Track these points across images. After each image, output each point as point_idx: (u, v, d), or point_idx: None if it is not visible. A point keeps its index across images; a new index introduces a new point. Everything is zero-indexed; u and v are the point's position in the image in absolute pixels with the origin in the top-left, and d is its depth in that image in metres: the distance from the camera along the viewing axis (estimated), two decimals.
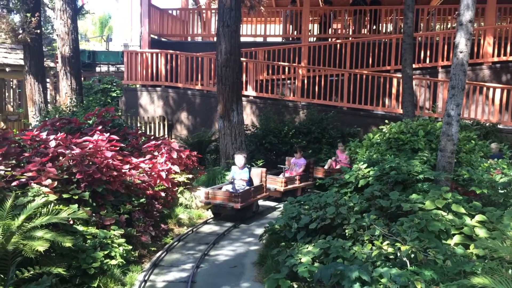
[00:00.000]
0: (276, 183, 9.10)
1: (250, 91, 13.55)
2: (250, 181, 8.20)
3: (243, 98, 12.04)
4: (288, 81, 13.90)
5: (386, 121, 8.82)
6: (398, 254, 4.34)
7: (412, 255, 4.18)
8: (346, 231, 5.18)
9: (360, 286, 3.92)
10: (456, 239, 4.79)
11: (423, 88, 13.02)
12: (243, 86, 12.61)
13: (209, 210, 8.17)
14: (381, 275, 3.97)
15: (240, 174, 8.15)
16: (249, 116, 13.27)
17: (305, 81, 13.39)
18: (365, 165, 6.63)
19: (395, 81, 12.73)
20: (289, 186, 9.21)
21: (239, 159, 8.21)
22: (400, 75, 11.68)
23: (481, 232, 4.79)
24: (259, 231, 6.84)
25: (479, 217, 5.01)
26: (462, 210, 5.07)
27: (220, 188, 7.91)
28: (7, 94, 17.55)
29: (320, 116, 12.12)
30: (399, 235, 4.63)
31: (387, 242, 4.59)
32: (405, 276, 3.87)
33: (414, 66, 11.95)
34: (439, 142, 6.39)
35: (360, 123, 12.52)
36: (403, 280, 3.83)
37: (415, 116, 9.99)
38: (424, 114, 11.83)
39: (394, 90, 12.76)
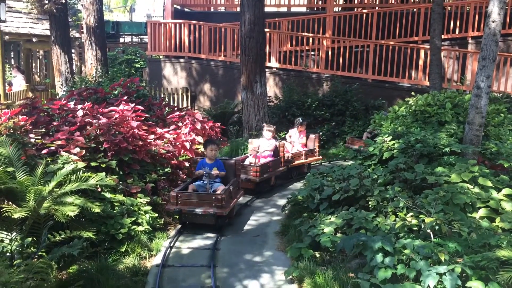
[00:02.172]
0: (248, 173, 7.26)
1: (273, 63, 13.43)
2: (222, 178, 6.44)
3: (266, 70, 11.95)
4: (312, 53, 13.70)
5: (413, 93, 8.65)
6: (422, 226, 4.34)
7: (436, 227, 4.17)
8: (370, 203, 5.18)
9: (383, 257, 3.94)
10: (482, 212, 4.75)
11: (451, 59, 12.67)
12: (266, 58, 12.50)
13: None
14: (404, 246, 3.98)
15: (212, 168, 6.30)
16: (272, 88, 13.20)
17: (329, 53, 13.18)
18: (390, 137, 6.56)
19: (422, 53, 12.42)
20: (265, 175, 7.42)
21: (211, 149, 6.42)
22: (428, 46, 11.38)
23: (508, 206, 4.74)
24: (282, 201, 6.89)
25: (506, 190, 4.93)
26: (489, 184, 5.00)
27: (186, 189, 6.05)
28: (34, 64, 17.84)
29: (344, 88, 11.98)
30: (423, 208, 4.61)
31: (411, 214, 4.58)
32: (428, 247, 3.87)
33: (443, 36, 11.59)
34: (467, 115, 6.25)
35: (385, 95, 12.32)
36: (426, 252, 3.84)
37: (443, 89, 9.77)
38: (452, 87, 11.59)
39: (421, 62, 12.46)
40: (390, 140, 6.47)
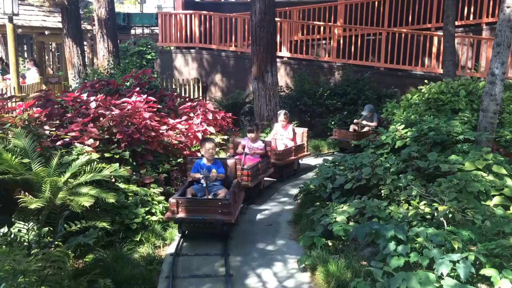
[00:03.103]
0: (239, 176, 6.12)
1: (284, 52, 13.36)
2: (221, 179, 5.76)
3: (278, 59, 11.90)
4: (323, 41, 13.60)
5: (426, 81, 8.55)
6: (435, 214, 4.32)
7: (450, 215, 4.15)
8: (382, 191, 5.16)
9: (396, 245, 3.93)
10: (496, 200, 4.71)
11: (465, 46, 12.47)
12: (277, 47, 12.43)
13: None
14: (417, 234, 3.97)
15: (211, 169, 5.63)
16: (283, 78, 13.15)
17: (341, 41, 13.06)
18: (403, 126, 6.52)
19: (435, 40, 12.23)
20: (256, 181, 6.54)
21: (208, 148, 5.68)
22: (441, 33, 11.21)
23: None
24: (294, 191, 6.91)
25: None
26: (503, 171, 4.95)
27: (184, 194, 5.39)
28: (46, 57, 18.00)
29: (356, 77, 11.88)
30: (436, 196, 4.59)
31: (424, 202, 4.56)
32: (442, 235, 3.86)
33: (456, 23, 11.41)
34: (481, 102, 6.18)
35: (397, 83, 12.18)
36: (439, 240, 3.82)
37: (456, 76, 9.65)
38: (466, 74, 11.41)
39: (434, 49, 12.28)
40: (402, 129, 6.43)
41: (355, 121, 10.06)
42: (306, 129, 8.65)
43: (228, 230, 5.24)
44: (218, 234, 5.20)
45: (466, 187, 4.68)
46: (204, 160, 5.75)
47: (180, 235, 5.28)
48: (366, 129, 9.68)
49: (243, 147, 7.08)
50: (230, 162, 6.00)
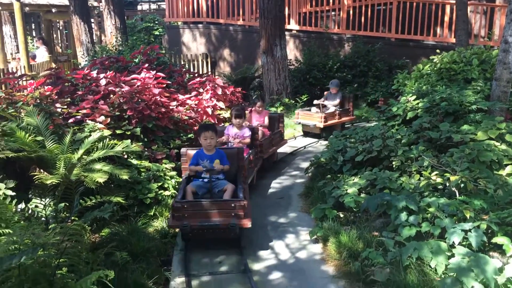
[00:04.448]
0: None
1: (293, 25, 13.18)
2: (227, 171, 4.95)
3: (286, 33, 11.75)
4: (333, 13, 13.37)
5: (438, 51, 8.41)
6: (447, 184, 4.31)
7: (462, 185, 4.14)
8: (393, 163, 5.15)
9: (407, 215, 3.95)
10: (509, 169, 4.68)
11: (478, 14, 12.19)
12: (285, 20, 12.26)
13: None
14: (429, 205, 3.98)
15: (214, 161, 4.81)
16: (292, 51, 13.02)
17: (351, 12, 12.84)
18: (414, 97, 6.46)
19: (448, 8, 11.97)
20: (251, 175, 5.86)
21: (205, 137, 4.87)
22: (454, 1, 10.96)
23: None
24: (305, 164, 6.93)
25: None
26: None
27: (184, 195, 4.54)
28: (54, 35, 17.98)
29: (366, 48, 11.72)
30: (448, 166, 4.57)
31: (435, 172, 4.56)
32: (453, 205, 3.86)
33: None
34: (494, 71, 6.08)
35: (409, 54, 12.01)
36: (451, 209, 3.83)
37: (469, 45, 9.47)
38: (478, 43, 11.20)
39: (446, 18, 12.03)
40: (414, 100, 6.37)
41: (315, 101, 8.80)
42: (281, 114, 7.81)
43: (241, 234, 4.41)
44: (230, 239, 4.43)
45: (478, 157, 4.65)
46: (204, 151, 4.92)
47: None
48: (332, 109, 8.67)
49: (228, 138, 6.18)
50: (231, 152, 5.17)
